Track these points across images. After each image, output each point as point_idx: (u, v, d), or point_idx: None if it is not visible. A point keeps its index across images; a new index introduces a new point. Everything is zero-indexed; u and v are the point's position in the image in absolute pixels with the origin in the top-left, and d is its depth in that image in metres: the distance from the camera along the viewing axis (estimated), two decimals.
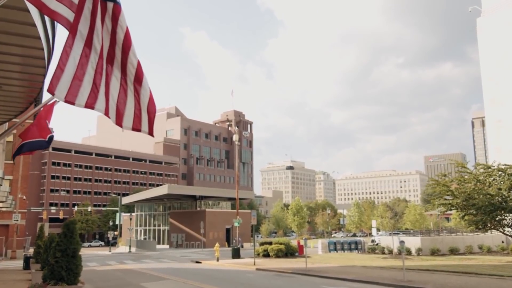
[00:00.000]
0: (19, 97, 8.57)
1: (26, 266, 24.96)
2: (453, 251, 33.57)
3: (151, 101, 6.17)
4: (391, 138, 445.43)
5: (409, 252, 32.01)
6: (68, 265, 10.25)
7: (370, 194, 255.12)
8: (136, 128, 6.04)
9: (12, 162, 43.21)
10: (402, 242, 16.78)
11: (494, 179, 24.48)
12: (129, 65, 5.89)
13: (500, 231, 25.31)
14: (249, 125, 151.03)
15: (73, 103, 5.50)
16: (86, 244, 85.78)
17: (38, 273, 14.21)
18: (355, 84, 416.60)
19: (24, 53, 6.51)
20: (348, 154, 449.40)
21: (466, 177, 26.59)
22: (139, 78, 6.15)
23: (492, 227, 24.97)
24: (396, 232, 58.69)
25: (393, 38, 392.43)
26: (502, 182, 23.87)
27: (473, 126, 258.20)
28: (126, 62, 5.92)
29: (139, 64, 6.08)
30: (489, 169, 24.93)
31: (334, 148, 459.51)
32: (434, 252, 32.99)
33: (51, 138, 10.11)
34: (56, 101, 8.64)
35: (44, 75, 7.40)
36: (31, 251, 33.97)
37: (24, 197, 43.84)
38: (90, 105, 5.64)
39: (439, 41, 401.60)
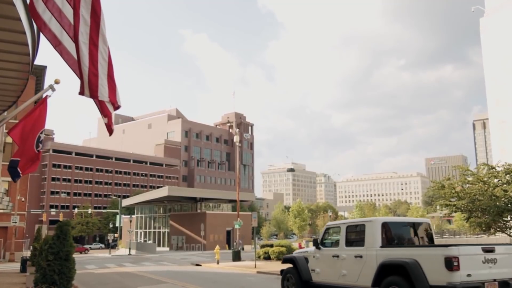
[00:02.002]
0: (3, 89, 8.04)
1: (23, 268, 24.62)
2: None
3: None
4: (392, 140, 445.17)
5: None
6: (61, 268, 9.82)
7: (371, 196, 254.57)
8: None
9: None
10: None
11: (499, 180, 23.98)
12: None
13: (507, 234, 24.82)
14: (250, 127, 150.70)
15: (96, 97, 5.20)
16: (86, 246, 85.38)
17: (32, 277, 13.78)
18: (356, 87, 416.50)
19: (2, 37, 5.90)
20: (349, 156, 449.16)
21: (470, 179, 26.11)
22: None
23: (498, 229, 24.49)
24: None
25: (393, 40, 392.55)
26: (507, 184, 23.38)
27: (474, 128, 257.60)
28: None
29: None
30: (493, 169, 24.44)
31: (335, 150, 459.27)
32: None
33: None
34: (48, 95, 8.17)
35: (30, 64, 6.87)
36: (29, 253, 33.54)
37: (23, 199, 43.43)
38: (113, 99, 5.38)
39: (439, 43, 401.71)
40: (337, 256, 11.29)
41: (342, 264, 11.10)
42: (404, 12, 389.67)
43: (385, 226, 10.78)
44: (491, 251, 9.19)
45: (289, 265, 13.21)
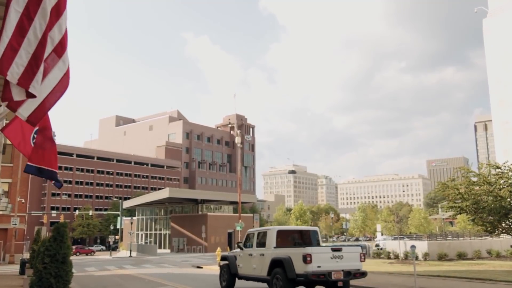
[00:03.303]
0: None
1: (22, 271, 24.32)
2: (461, 256, 32.73)
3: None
4: (394, 142, 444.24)
5: (415, 257, 31.16)
6: (58, 271, 9.51)
7: (372, 198, 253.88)
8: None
9: (11, 165, 42.75)
10: (413, 246, 15.96)
11: (505, 181, 23.64)
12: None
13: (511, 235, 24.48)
14: (251, 129, 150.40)
15: (5, 74, 4.24)
16: (91, 248, 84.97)
17: (29, 279, 13.49)
18: (357, 89, 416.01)
19: None
20: (350, 158, 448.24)
21: (474, 179, 25.76)
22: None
23: (503, 231, 24.15)
24: (401, 236, 57.75)
25: (395, 43, 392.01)
26: None
27: (475, 130, 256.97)
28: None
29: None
30: (499, 169, 24.08)
31: (336, 152, 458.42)
32: (442, 257, 32.14)
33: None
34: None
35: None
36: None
37: (23, 201, 43.12)
38: (24, 84, 4.33)
39: (441, 45, 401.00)
40: (251, 255, 14.98)
41: (253, 260, 14.77)
42: (405, 15, 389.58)
43: (279, 232, 14.57)
44: (338, 250, 12.96)
45: (225, 262, 16.81)
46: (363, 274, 13.24)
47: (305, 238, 15.15)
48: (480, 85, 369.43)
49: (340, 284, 12.79)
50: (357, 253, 13.33)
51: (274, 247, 13.85)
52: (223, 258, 17.33)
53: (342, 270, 12.60)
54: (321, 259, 12.45)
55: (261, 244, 14.58)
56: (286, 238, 14.77)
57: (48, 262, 9.48)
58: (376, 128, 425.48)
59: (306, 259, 12.16)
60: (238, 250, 16.16)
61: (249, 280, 15.31)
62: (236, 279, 16.10)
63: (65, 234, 9.81)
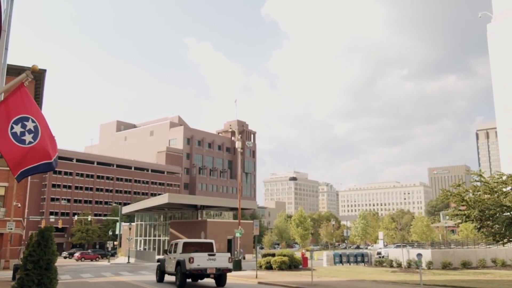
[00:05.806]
0: None
1: (14, 276, 23.68)
2: (466, 265, 32.03)
3: None
4: (395, 150, 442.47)
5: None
6: (41, 278, 8.88)
7: (373, 205, 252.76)
8: None
9: (7, 169, 42.12)
10: (419, 255, 15.29)
11: (511, 188, 22.98)
12: None
13: None
14: (252, 135, 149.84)
15: None
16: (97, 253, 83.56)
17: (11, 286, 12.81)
18: (359, 96, 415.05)
19: None
20: (352, 165, 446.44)
21: (480, 187, 25.07)
22: None
23: (511, 239, 23.44)
24: (403, 244, 56.91)
25: (397, 50, 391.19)
26: None
27: (477, 138, 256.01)
28: None
29: None
30: (507, 178, 23.40)
31: (338, 159, 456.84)
32: (446, 266, 31.43)
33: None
34: (23, 82, 7.20)
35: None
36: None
37: (19, 205, 42.45)
38: None
39: (443, 53, 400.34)
40: (170, 258, 21.83)
41: (170, 261, 21.53)
42: (408, 22, 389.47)
43: (185, 244, 21.59)
44: (213, 255, 20.01)
45: (158, 263, 23.83)
46: (229, 270, 20.24)
47: (205, 247, 21.54)
48: (482, 93, 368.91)
49: (212, 276, 19.89)
50: (226, 257, 20.41)
51: (180, 253, 20.60)
52: (158, 261, 24.88)
53: (215, 267, 19.50)
54: (201, 260, 19.31)
55: (175, 251, 21.45)
56: (190, 247, 21.16)
57: (31, 268, 8.86)
58: (377, 136, 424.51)
59: (190, 260, 19.07)
60: (165, 255, 22.98)
61: (171, 275, 21.54)
62: (166, 275, 22.79)
63: (50, 239, 9.20)
